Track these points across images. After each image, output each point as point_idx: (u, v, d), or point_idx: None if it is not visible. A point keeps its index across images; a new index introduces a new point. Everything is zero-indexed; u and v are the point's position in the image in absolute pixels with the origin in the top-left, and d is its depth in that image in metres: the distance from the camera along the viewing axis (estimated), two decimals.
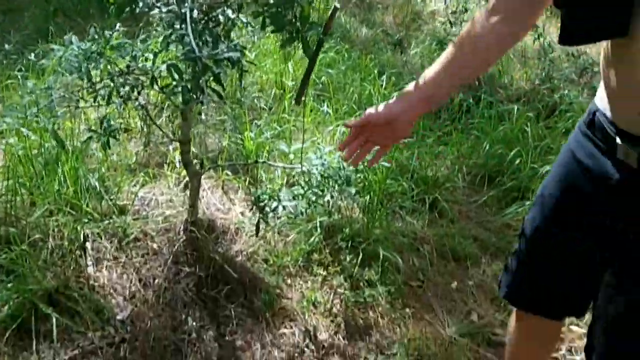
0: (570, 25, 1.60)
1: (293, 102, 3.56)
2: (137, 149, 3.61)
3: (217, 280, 2.79)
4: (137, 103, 2.46)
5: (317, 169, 2.75)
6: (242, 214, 3.27)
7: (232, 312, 2.71)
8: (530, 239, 1.97)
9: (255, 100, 4.25)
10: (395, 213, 3.47)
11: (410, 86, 1.76)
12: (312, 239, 3.06)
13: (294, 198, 2.63)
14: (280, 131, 3.88)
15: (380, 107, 1.79)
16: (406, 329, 2.82)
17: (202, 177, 2.93)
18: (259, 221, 2.61)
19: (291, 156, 2.83)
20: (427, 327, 2.87)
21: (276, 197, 2.60)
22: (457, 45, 1.73)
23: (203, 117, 4.04)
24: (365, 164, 2.15)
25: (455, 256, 3.33)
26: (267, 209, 2.59)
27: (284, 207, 2.60)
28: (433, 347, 2.76)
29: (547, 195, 1.91)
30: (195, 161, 3.39)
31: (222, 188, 3.43)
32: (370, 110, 1.78)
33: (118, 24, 2.58)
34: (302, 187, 2.69)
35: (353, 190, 2.71)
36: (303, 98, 2.06)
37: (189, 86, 1.94)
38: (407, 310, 2.93)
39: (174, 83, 2.00)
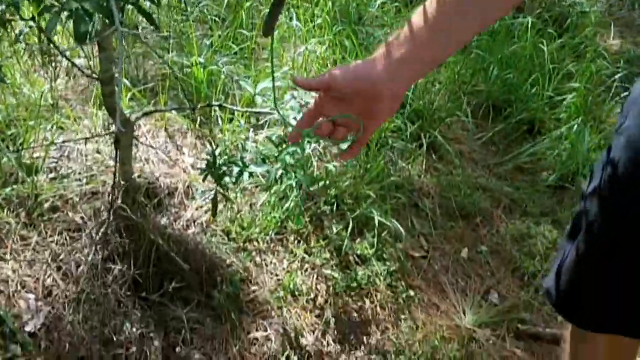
0: None
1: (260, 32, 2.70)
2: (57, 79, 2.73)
3: (162, 272, 2.03)
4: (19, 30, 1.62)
5: (293, 112, 1.97)
6: (193, 166, 2.48)
7: (184, 314, 1.97)
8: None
9: (205, 10, 3.36)
10: (386, 156, 2.71)
11: (392, 40, 1.03)
12: (287, 204, 2.30)
13: (264, 160, 1.85)
14: (238, 50, 3.04)
15: (349, 70, 1.04)
16: (413, 323, 2.13)
17: (139, 116, 2.11)
18: (215, 197, 1.83)
19: (258, 98, 2.04)
20: (438, 318, 2.18)
21: (239, 161, 1.82)
22: None
23: (140, 30, 3.17)
24: None
25: (462, 212, 2.62)
26: (227, 178, 1.81)
27: (250, 174, 1.83)
28: (448, 346, 2.08)
29: None
30: (127, 97, 2.57)
31: (166, 130, 2.62)
32: (335, 71, 1.05)
33: None
34: (275, 144, 1.91)
35: (345, 145, 1.94)
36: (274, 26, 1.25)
37: (85, 7, 1.11)
38: (412, 293, 2.23)
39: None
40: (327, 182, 2.30)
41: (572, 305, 1.43)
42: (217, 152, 1.85)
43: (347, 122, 1.05)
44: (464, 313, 2.22)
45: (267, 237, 2.26)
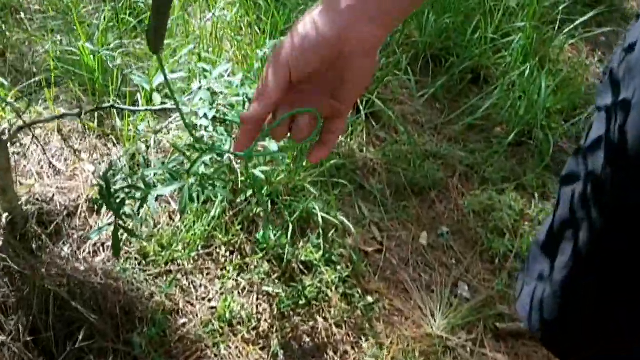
0: None
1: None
2: None
3: (66, 323, 1.61)
4: None
5: (205, 106, 1.54)
6: (95, 173, 2.03)
7: None
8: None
9: None
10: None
11: None
12: (213, 211, 1.89)
13: (173, 177, 1.43)
14: (137, 23, 2.56)
15: (299, 45, 0.68)
16: (376, 341, 1.77)
17: (13, 132, 1.65)
18: (116, 233, 1.40)
19: (156, 95, 1.59)
20: (404, 327, 1.83)
21: (141, 181, 1.40)
22: None
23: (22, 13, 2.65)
24: None
25: (414, 189, 2.26)
26: (127, 207, 1.39)
27: (158, 198, 1.41)
28: None
29: None
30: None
31: (60, 132, 2.16)
32: (284, 57, 0.70)
33: None
34: (184, 153, 1.49)
35: (274, 146, 1.53)
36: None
37: None
38: (370, 299, 1.87)
39: None
40: (254, 189, 1.88)
41: (567, 341, 1.09)
42: (114, 168, 1.42)
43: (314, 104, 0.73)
44: (432, 316, 1.87)
45: (194, 254, 1.86)
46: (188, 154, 1.49)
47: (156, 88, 1.55)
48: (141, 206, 1.41)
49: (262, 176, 1.60)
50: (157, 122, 2.02)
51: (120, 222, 1.41)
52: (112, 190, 1.42)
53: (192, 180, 1.46)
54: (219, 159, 1.52)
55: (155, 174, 1.53)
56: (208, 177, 1.49)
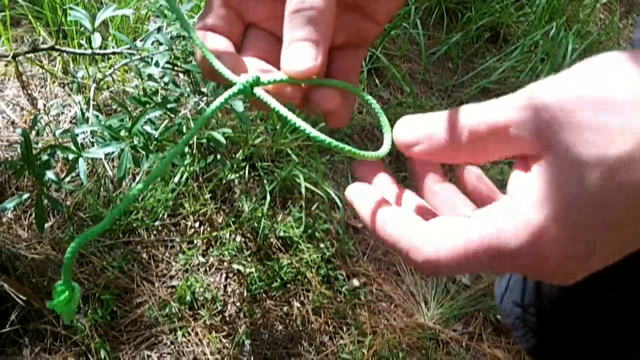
0: None
1: None
2: None
3: None
4: None
5: (160, 52, 1.24)
6: (54, 122, 1.74)
7: (32, 357, 1.29)
8: None
9: None
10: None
11: None
12: (177, 176, 1.59)
13: (114, 137, 1.12)
14: None
15: None
16: (358, 332, 1.48)
17: None
18: (39, 204, 1.11)
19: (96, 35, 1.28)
20: (392, 317, 1.53)
21: (72, 139, 1.10)
22: None
23: None
24: None
25: None
26: (50, 172, 1.09)
27: (90, 163, 1.11)
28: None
29: None
30: None
31: (19, 78, 1.86)
32: None
33: None
34: (129, 112, 1.18)
35: (240, 107, 1.21)
36: None
37: None
38: (356, 283, 1.57)
39: None
40: (216, 154, 1.57)
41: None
42: (40, 123, 1.12)
43: None
44: (425, 304, 1.57)
45: (157, 223, 1.57)
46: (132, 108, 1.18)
47: (96, 29, 1.24)
48: (68, 174, 1.12)
49: (223, 139, 1.29)
50: (108, 68, 1.71)
51: (44, 190, 1.12)
52: (32, 153, 1.12)
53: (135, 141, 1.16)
54: (171, 115, 1.22)
55: (93, 132, 1.23)
56: (155, 138, 1.18)
